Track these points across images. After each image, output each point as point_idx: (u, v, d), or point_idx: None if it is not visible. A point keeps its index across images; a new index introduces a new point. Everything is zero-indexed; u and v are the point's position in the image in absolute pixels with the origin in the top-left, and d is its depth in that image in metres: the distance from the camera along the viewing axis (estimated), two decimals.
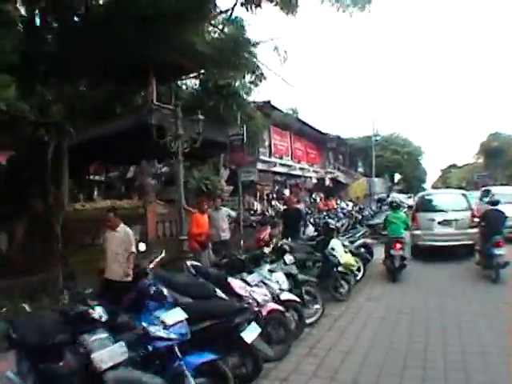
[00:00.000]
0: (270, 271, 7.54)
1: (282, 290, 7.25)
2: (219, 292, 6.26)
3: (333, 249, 10.17)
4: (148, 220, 13.21)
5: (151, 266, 6.46)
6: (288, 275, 7.90)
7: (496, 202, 12.46)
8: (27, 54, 9.72)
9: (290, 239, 10.48)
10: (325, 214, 20.26)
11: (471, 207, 15.14)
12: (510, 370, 6.02)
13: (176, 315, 4.91)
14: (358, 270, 11.56)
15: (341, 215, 19.75)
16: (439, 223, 14.62)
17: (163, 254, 6.99)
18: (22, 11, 10.86)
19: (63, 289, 6.14)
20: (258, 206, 23.83)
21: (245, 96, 18.33)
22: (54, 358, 4.24)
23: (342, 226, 15.42)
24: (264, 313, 6.41)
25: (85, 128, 12.56)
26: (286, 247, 8.68)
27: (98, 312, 4.52)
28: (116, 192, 18.31)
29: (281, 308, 6.76)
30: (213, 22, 15.00)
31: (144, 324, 4.76)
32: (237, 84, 17.74)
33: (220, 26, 14.99)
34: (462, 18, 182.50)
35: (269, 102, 24.04)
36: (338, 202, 30.54)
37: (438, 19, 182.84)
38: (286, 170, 30.92)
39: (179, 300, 5.79)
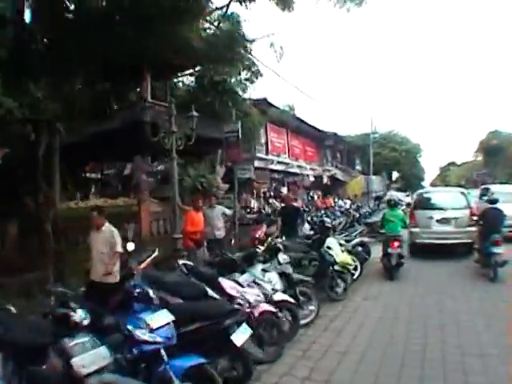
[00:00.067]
0: (263, 271, 7.36)
1: (275, 290, 7.05)
2: (211, 292, 6.10)
3: (329, 247, 10.00)
4: (142, 218, 13.07)
5: (143, 265, 6.31)
6: (282, 275, 7.74)
7: (495, 201, 12.42)
8: (16, 49, 9.58)
9: (284, 238, 10.36)
10: (322, 212, 20.14)
11: (470, 205, 15.08)
12: (508, 370, 5.95)
13: (162, 318, 4.72)
14: (355, 268, 11.39)
15: (338, 213, 19.61)
16: (438, 221, 14.58)
17: (156, 253, 6.84)
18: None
19: (50, 290, 5.92)
20: (254, 203, 23.71)
21: (241, 93, 18.23)
22: (38, 361, 4.13)
23: (340, 224, 15.27)
24: (256, 314, 6.21)
25: (80, 126, 12.45)
26: (280, 246, 8.50)
27: (80, 315, 4.33)
28: (113, 190, 18.16)
29: (273, 309, 6.56)
30: (208, 18, 14.91)
31: (129, 327, 4.57)
32: (232, 81, 17.65)
33: (216, 23, 14.90)
34: (461, 16, 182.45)
35: (265, 99, 23.88)
36: (336, 199, 30.46)
37: (437, 16, 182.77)
38: (284, 168, 30.73)
39: (169, 301, 5.67)
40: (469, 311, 8.76)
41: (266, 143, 28.37)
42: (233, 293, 6.16)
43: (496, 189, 19.23)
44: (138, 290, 4.81)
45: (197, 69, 17.55)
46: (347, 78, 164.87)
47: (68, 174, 14.16)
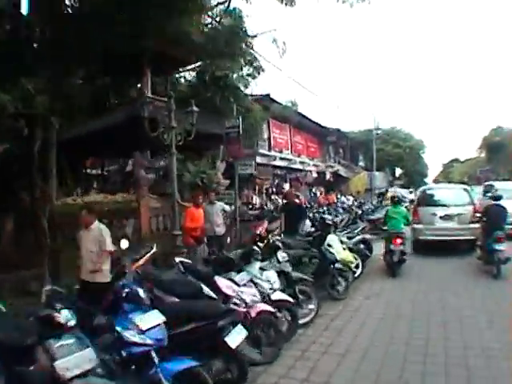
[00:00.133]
0: (261, 269, 7.13)
1: (273, 289, 6.85)
2: (207, 290, 5.90)
3: (329, 245, 9.83)
4: (141, 214, 12.90)
5: (140, 262, 6.13)
6: (281, 273, 7.55)
7: (498, 197, 12.41)
8: (13, 42, 9.43)
9: (285, 235, 10.20)
10: (325, 208, 19.98)
11: (473, 202, 15.04)
12: (510, 366, 5.88)
13: (153, 318, 4.53)
14: (357, 266, 11.28)
15: (340, 210, 19.41)
16: (441, 218, 14.55)
17: (154, 250, 6.65)
18: None
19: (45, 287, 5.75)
20: (257, 199, 23.59)
21: (242, 88, 18.07)
22: (26, 361, 3.96)
23: (342, 221, 15.06)
24: (253, 314, 6.02)
25: (78, 121, 12.33)
26: (279, 244, 8.32)
27: (65, 316, 4.14)
28: (114, 186, 18.01)
29: (271, 309, 6.37)
30: (210, 13, 14.78)
31: (118, 328, 4.39)
32: (234, 76, 17.49)
33: (218, 18, 14.79)
34: (465, 12, 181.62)
35: (268, 95, 23.73)
36: (339, 196, 30.30)
37: (440, 13, 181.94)
38: (286, 164, 30.59)
39: (165, 299, 5.51)
40: (472, 308, 8.66)
41: (269, 139, 28.18)
42: (228, 292, 5.96)
43: (499, 186, 19.15)
44: (126, 290, 4.61)
45: (198, 64, 17.41)
46: (350, 73, 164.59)
47: (68, 170, 14.07)
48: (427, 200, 15.62)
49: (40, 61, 9.57)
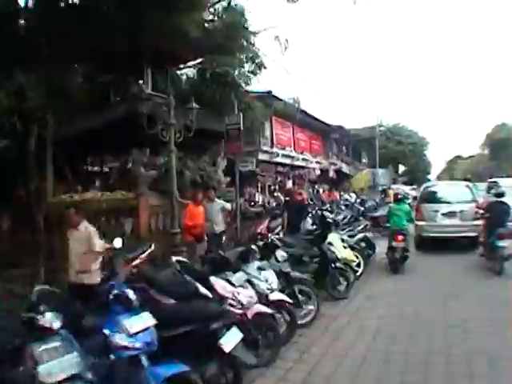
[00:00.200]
0: (260, 269, 6.94)
1: (271, 289, 6.67)
2: (203, 290, 5.71)
3: (330, 243, 9.66)
4: (140, 212, 12.74)
5: (136, 261, 5.97)
6: (280, 273, 7.37)
7: (501, 194, 12.39)
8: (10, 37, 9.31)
9: (285, 233, 10.05)
10: (327, 205, 19.78)
11: (476, 199, 15.02)
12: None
13: (142, 321, 4.33)
14: (358, 265, 11.11)
15: (342, 207, 19.22)
16: (443, 214, 14.58)
17: (152, 248, 6.47)
18: None
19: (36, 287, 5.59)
20: (259, 197, 23.45)
21: (244, 85, 17.91)
22: (11, 364, 3.83)
23: (344, 218, 14.87)
24: (249, 316, 5.82)
25: (80, 118, 12.24)
26: (278, 243, 8.13)
27: (48, 318, 3.96)
28: (115, 183, 17.90)
29: (268, 310, 6.17)
30: (212, 10, 14.67)
31: (106, 331, 4.21)
32: (236, 73, 17.33)
33: (220, 15, 14.69)
34: (468, 8, 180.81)
35: (270, 91, 23.52)
36: (342, 193, 30.15)
37: (444, 9, 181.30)
38: (289, 161, 30.37)
39: (160, 300, 5.33)
40: (475, 310, 8.40)
41: (271, 136, 27.99)
42: (224, 293, 5.75)
43: (503, 183, 19.14)
44: (114, 292, 4.42)
45: (199, 61, 17.27)
46: (353, 70, 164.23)
47: (69, 167, 13.97)
48: (429, 197, 15.64)
49: (35, 54, 9.43)
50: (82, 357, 4.02)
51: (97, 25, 9.54)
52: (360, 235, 12.48)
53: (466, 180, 21.08)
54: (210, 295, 5.67)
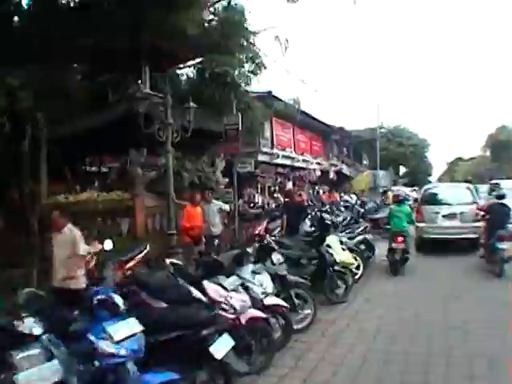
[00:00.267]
0: (254, 272, 6.75)
1: (266, 293, 6.48)
2: (197, 294, 5.54)
3: (329, 246, 9.49)
4: (136, 213, 12.62)
5: (131, 263, 5.82)
6: (275, 276, 7.18)
7: (502, 196, 12.36)
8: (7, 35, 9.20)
9: (283, 235, 9.92)
10: (327, 207, 19.61)
11: (476, 200, 15.00)
12: None
13: (128, 328, 4.14)
14: (358, 267, 10.95)
15: (342, 209, 19.04)
16: (444, 216, 14.59)
17: (147, 250, 6.31)
18: None
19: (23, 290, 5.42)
20: (259, 198, 23.32)
21: (244, 85, 17.80)
22: None
23: (344, 220, 14.71)
24: (242, 321, 5.62)
25: (78, 118, 12.13)
26: (274, 245, 7.96)
27: (28, 325, 3.79)
28: (113, 184, 17.80)
29: (263, 315, 5.97)
30: (212, 9, 14.58)
31: (91, 338, 4.03)
32: (235, 73, 17.22)
33: (220, 14, 14.60)
34: (470, 10, 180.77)
35: (270, 92, 23.40)
36: (342, 194, 30.01)
37: (445, 11, 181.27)
38: (289, 162, 30.24)
39: (152, 304, 5.17)
40: (476, 312, 8.31)
41: (271, 137, 27.86)
42: (216, 297, 5.58)
43: (504, 184, 19.19)
44: (99, 297, 4.23)
45: (199, 60, 17.17)
46: (354, 71, 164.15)
47: (68, 167, 13.87)
48: (430, 198, 15.65)
49: (28, 52, 9.29)
50: (66, 363, 3.86)
51: (98, 22, 9.46)
52: (359, 237, 12.35)
53: (466, 182, 21.09)
54: (204, 299, 5.51)
